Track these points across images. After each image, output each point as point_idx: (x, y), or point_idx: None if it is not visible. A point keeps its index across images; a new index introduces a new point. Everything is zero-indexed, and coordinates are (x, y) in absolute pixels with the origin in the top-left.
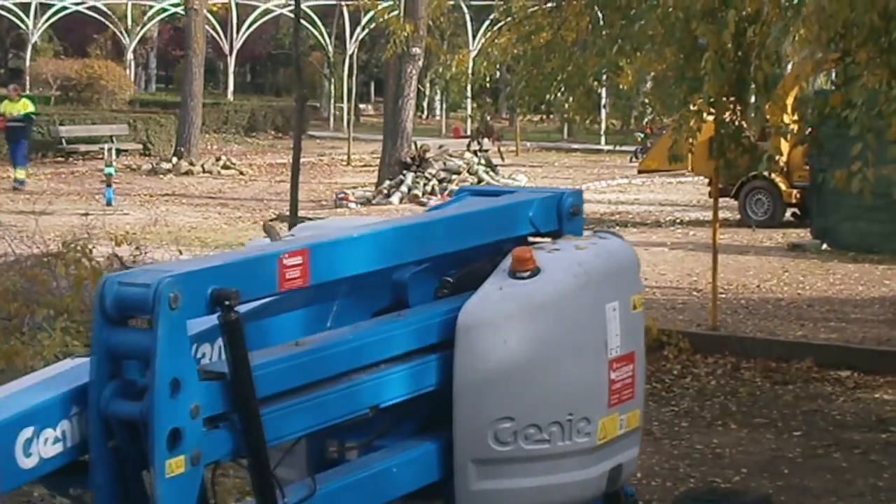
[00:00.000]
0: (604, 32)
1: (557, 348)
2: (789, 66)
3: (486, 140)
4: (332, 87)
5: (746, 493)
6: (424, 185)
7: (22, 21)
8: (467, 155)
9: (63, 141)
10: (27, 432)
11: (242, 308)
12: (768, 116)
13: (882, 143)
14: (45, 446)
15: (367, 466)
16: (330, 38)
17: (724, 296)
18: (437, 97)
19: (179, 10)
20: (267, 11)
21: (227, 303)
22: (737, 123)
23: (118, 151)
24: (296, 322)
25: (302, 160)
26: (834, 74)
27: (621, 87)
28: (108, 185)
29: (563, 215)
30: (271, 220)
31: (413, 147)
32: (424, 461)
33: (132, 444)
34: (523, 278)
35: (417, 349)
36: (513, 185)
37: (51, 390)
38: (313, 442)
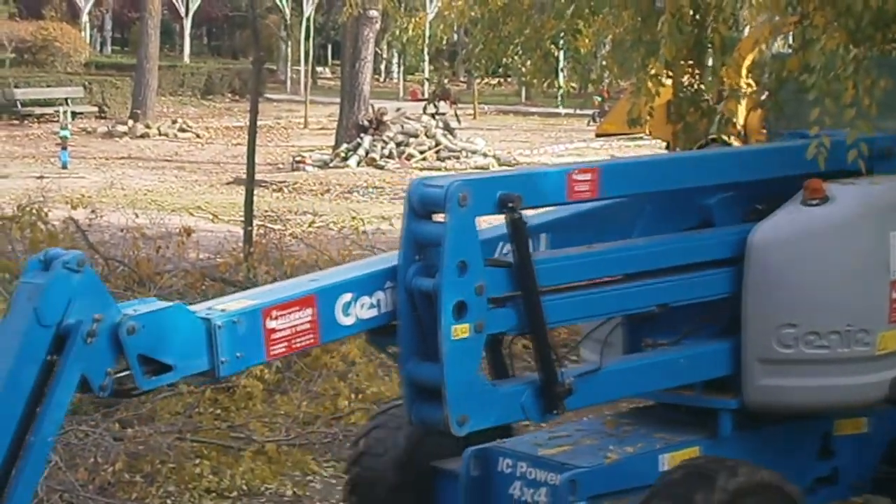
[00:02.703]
0: None
1: (839, 267)
2: (747, 30)
3: (443, 103)
4: (289, 49)
5: None
6: (382, 148)
7: None
8: (425, 118)
9: (18, 104)
10: (346, 297)
11: (565, 214)
12: (725, 80)
13: (839, 107)
14: (361, 310)
15: (654, 356)
16: (287, 0)
17: None
18: (395, 60)
19: None
20: None
21: (510, 205)
22: (695, 87)
23: (73, 114)
24: (602, 232)
25: (259, 123)
26: (791, 38)
27: (579, 50)
28: (64, 148)
29: (875, 156)
30: (228, 183)
31: (370, 110)
32: (714, 357)
33: (430, 312)
34: (812, 205)
35: (703, 262)
36: (471, 148)
37: (369, 268)
38: (629, 335)
